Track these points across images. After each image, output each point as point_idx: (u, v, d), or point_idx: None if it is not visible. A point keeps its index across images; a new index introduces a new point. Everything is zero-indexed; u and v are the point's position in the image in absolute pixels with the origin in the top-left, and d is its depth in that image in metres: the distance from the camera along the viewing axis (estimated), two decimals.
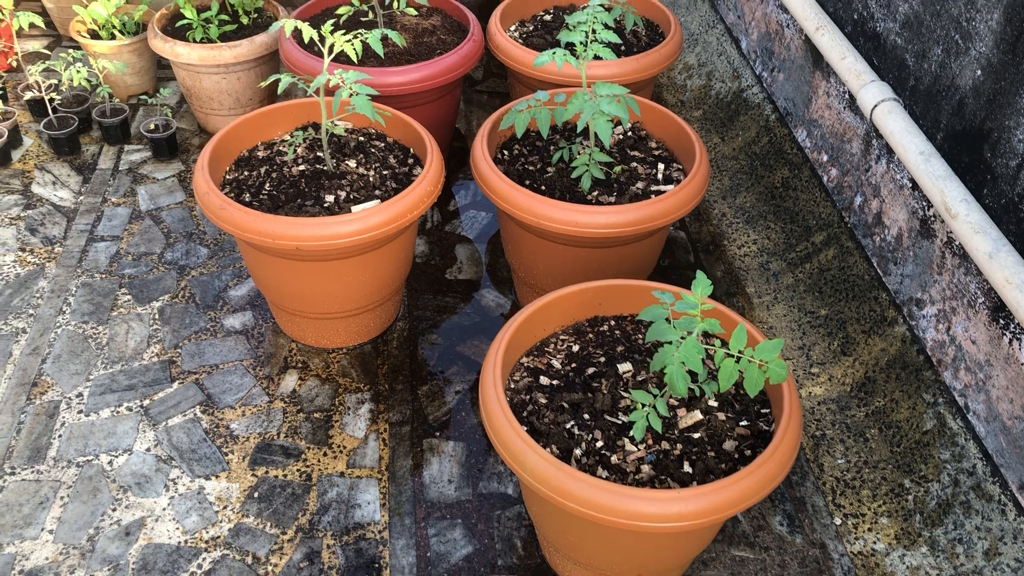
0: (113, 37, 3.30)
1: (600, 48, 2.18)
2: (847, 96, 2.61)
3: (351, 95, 2.09)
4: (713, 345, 1.60)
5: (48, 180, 3.07)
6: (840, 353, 2.44)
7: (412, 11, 2.82)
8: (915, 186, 2.28)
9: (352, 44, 2.16)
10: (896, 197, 2.36)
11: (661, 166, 2.48)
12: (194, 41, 3.05)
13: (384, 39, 2.84)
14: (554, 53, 2.13)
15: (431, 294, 2.72)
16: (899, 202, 2.35)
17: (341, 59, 2.74)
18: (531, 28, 3.11)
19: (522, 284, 2.63)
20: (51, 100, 3.15)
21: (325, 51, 2.19)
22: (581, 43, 2.21)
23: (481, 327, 2.63)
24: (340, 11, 2.74)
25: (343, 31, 2.28)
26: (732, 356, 1.57)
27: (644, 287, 2.01)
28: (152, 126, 3.13)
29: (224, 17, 3.09)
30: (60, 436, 2.25)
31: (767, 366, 1.54)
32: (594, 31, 2.21)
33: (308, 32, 2.14)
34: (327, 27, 2.16)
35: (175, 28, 3.15)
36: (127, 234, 2.87)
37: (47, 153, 3.19)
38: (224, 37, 3.10)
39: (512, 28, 3.11)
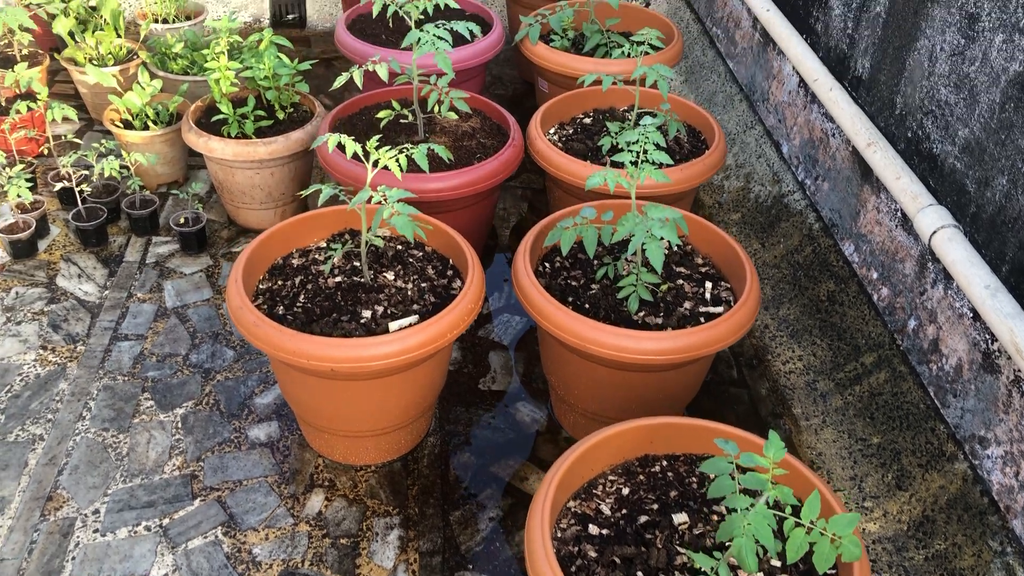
0: (146, 127, 3.27)
1: (651, 170, 2.11)
2: (899, 214, 2.53)
3: (392, 215, 2.02)
4: (783, 512, 1.49)
5: (73, 272, 3.01)
6: (895, 487, 2.31)
7: (452, 114, 2.77)
8: (976, 316, 2.18)
9: (397, 160, 2.09)
10: (955, 326, 2.26)
11: (709, 284, 2.39)
12: (229, 136, 3.00)
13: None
14: (606, 176, 2.06)
15: (463, 406, 2.62)
16: (958, 332, 2.24)
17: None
18: (571, 131, 3.06)
19: (560, 401, 2.53)
20: (81, 192, 3.10)
21: (369, 166, 2.12)
22: (632, 163, 2.15)
23: (515, 444, 2.52)
24: (381, 115, 2.70)
25: (387, 145, 2.22)
26: (803, 526, 1.45)
27: (699, 427, 1.90)
28: (182, 220, 3.08)
29: (260, 112, 3.05)
30: (74, 559, 2.13)
31: (840, 542, 1.43)
32: (645, 151, 2.14)
33: (351, 147, 2.08)
34: (372, 142, 2.10)
35: (210, 122, 3.11)
36: (152, 333, 2.79)
37: (74, 244, 3.13)
38: (259, 132, 3.06)
39: (551, 131, 3.06)
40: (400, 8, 2.75)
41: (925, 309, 2.40)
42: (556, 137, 3.02)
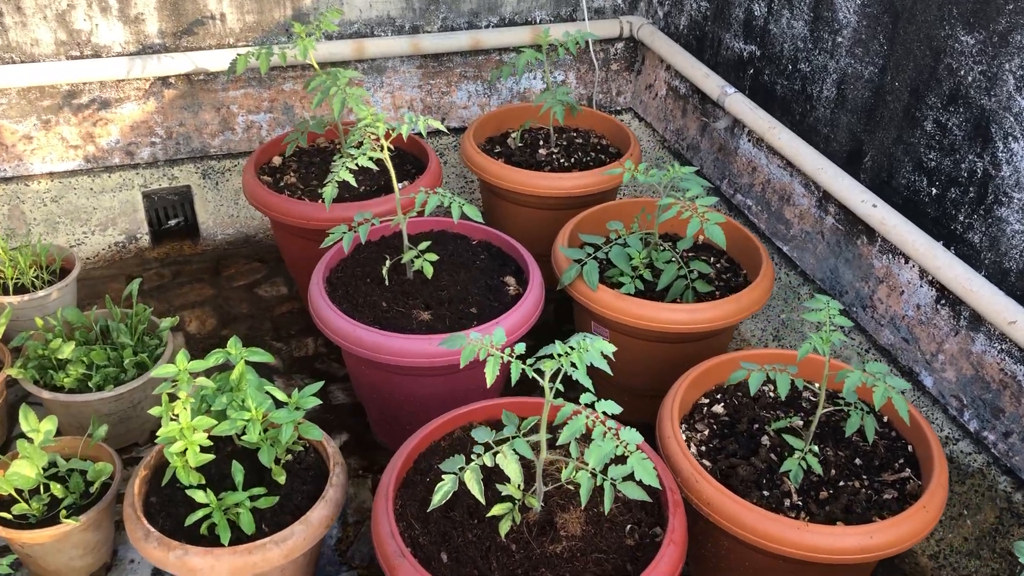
0: (49, 513, 2.09)
1: None
2: None
3: None
4: None
5: None
6: None
7: None
8: None
9: None
10: None
11: None
12: (208, 539, 1.90)
13: None
14: None
15: None
16: None
17: None
18: (706, 433, 2.18)
19: None
20: None
21: None
22: None
23: None
24: None
25: None
26: None
27: None
28: None
29: (258, 491, 1.96)
30: None
31: None
32: None
33: None
34: None
35: (171, 505, 1.98)
36: None
37: None
38: (256, 512, 1.98)
39: (682, 428, 2.17)
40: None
41: None
42: (695, 449, 2.13)
